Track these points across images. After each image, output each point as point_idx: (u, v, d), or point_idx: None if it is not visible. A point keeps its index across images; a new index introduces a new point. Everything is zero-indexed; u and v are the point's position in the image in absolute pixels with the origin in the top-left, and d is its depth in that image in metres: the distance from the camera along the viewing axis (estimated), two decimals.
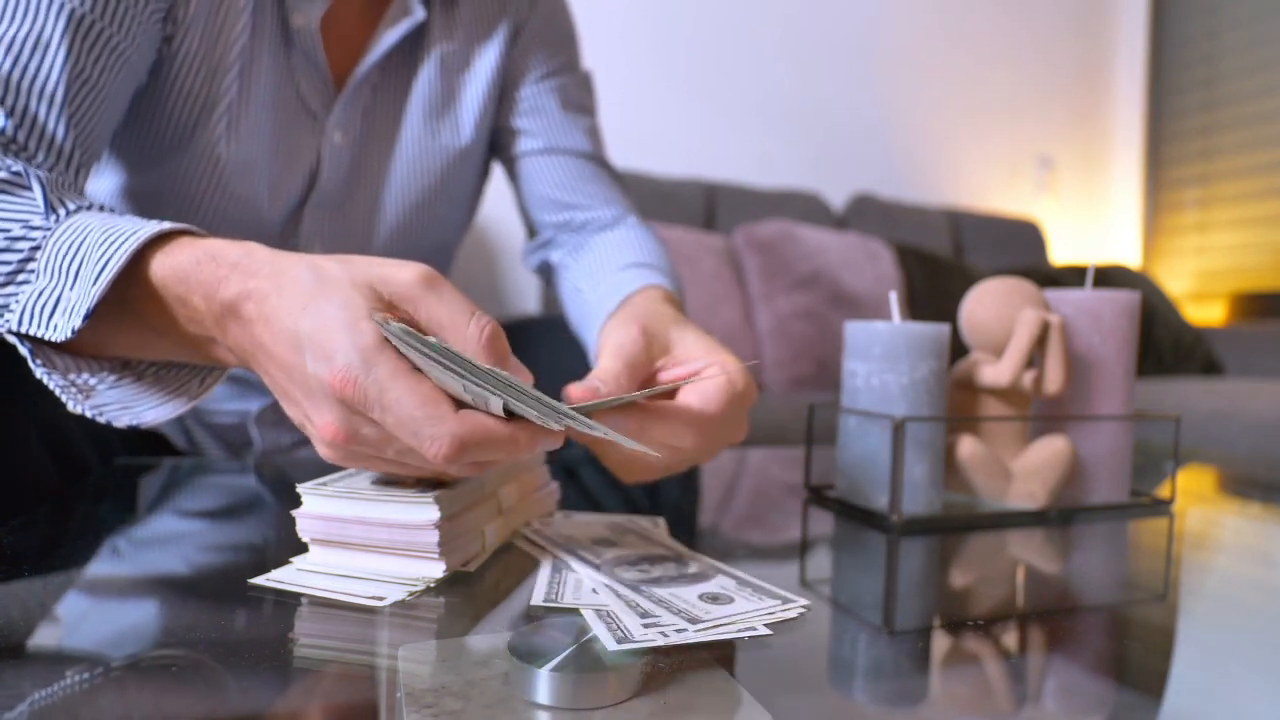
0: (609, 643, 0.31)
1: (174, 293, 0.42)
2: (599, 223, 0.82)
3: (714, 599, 0.37)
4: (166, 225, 0.44)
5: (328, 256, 0.39)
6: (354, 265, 0.38)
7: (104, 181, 0.71)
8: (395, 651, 0.32)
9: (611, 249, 0.77)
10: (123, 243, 0.42)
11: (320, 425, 0.36)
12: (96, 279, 0.42)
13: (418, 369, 0.35)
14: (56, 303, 0.44)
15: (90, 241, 0.43)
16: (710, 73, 2.44)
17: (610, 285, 0.71)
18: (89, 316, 0.42)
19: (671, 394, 0.49)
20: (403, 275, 0.37)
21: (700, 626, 0.33)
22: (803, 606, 0.37)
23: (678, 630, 0.33)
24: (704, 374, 0.48)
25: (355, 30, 0.72)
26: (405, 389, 0.34)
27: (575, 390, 0.44)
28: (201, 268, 0.41)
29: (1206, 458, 1.02)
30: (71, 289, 0.43)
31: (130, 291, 0.43)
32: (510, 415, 0.35)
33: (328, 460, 0.39)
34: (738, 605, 0.36)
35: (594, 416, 0.44)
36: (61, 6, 0.54)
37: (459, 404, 0.35)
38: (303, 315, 0.36)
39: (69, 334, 0.43)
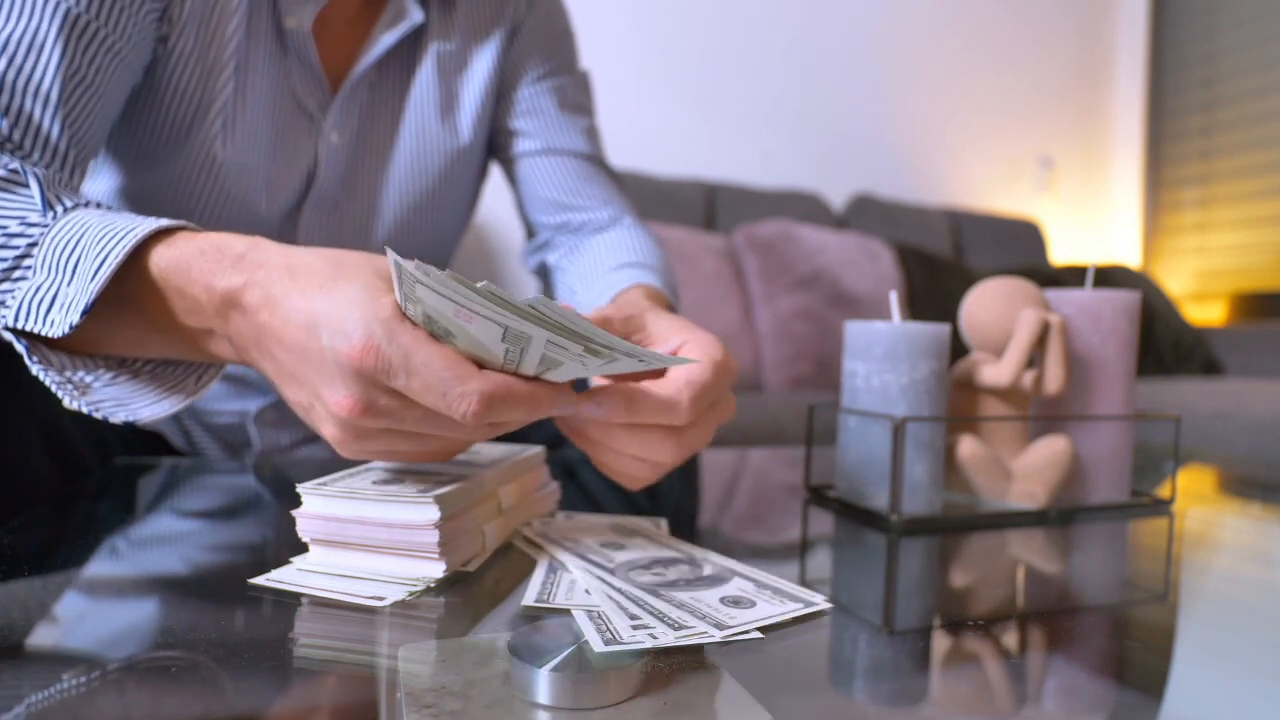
0: (596, 644, 0.31)
1: (174, 284, 0.42)
2: (595, 224, 0.82)
3: (736, 603, 0.37)
4: (165, 221, 0.44)
5: (342, 250, 0.40)
6: (373, 258, 0.39)
7: (100, 182, 0.71)
8: (395, 651, 0.32)
9: (605, 251, 0.77)
10: (121, 238, 0.42)
11: (334, 401, 0.37)
12: (95, 274, 0.42)
13: (436, 338, 0.36)
14: (54, 299, 0.44)
15: (88, 238, 0.43)
16: (710, 73, 2.44)
17: (601, 286, 0.71)
18: (87, 312, 0.42)
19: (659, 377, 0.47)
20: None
21: (686, 632, 0.33)
22: (825, 603, 0.37)
23: (669, 630, 0.33)
24: (681, 350, 0.46)
25: (351, 31, 0.72)
26: (432, 353, 0.35)
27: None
28: (205, 258, 0.41)
29: (1206, 458, 1.02)
30: (69, 285, 0.43)
31: (129, 286, 0.43)
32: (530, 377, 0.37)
33: (333, 442, 0.39)
34: (760, 609, 0.36)
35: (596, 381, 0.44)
36: (57, 6, 0.54)
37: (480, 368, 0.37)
38: (319, 295, 0.37)
39: (66, 329, 0.43)
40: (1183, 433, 1.60)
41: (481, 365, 0.37)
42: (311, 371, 0.38)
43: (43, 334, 0.44)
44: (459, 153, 0.79)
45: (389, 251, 0.37)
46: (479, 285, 0.34)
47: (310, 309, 0.37)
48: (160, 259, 0.43)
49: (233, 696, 0.29)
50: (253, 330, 0.40)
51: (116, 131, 0.67)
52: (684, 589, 0.38)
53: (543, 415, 0.38)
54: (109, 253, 0.42)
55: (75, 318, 0.42)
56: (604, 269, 0.75)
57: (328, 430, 0.39)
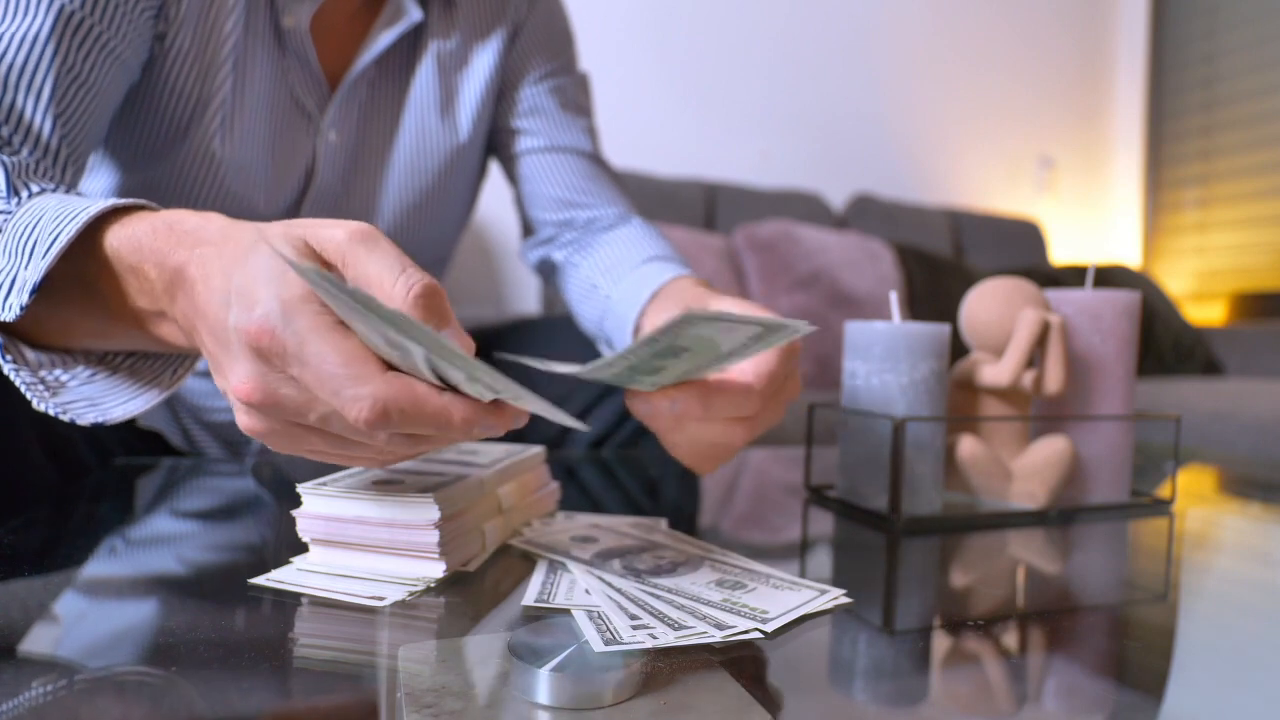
0: (596, 644, 0.31)
1: (127, 263, 0.41)
2: (602, 222, 0.82)
3: (736, 586, 0.37)
4: (122, 200, 0.42)
5: (277, 222, 0.37)
6: (293, 224, 0.36)
7: (100, 180, 0.71)
8: (395, 651, 0.32)
9: (626, 245, 0.77)
10: (74, 216, 0.41)
11: (235, 384, 0.34)
12: (46, 253, 0.41)
13: (346, 326, 0.32)
14: (12, 283, 0.43)
15: (45, 219, 0.43)
16: (710, 73, 2.44)
17: (634, 280, 0.70)
18: (35, 291, 0.41)
19: None
20: (335, 232, 0.35)
21: (686, 632, 0.33)
22: (841, 595, 0.38)
23: (668, 630, 0.33)
24: None
25: (350, 29, 0.72)
26: (327, 343, 0.31)
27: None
28: (157, 236, 0.40)
29: (1206, 458, 1.02)
30: (26, 267, 0.43)
31: (86, 268, 0.42)
32: (447, 386, 0.33)
33: (246, 431, 0.35)
34: (774, 600, 0.36)
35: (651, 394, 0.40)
36: (52, 3, 0.54)
37: (391, 369, 0.32)
38: (235, 268, 0.34)
39: (19, 311, 0.42)
40: (1183, 433, 1.60)
41: (394, 367, 0.32)
42: (221, 351, 0.35)
43: (2, 320, 0.43)
44: (458, 151, 0.79)
45: (270, 233, 0.34)
46: (347, 287, 0.29)
47: (225, 284, 0.34)
48: (114, 238, 0.41)
49: (233, 696, 0.29)
50: (190, 309, 0.37)
51: (115, 129, 0.67)
52: (684, 584, 0.38)
53: (457, 437, 0.34)
54: (61, 231, 0.41)
55: (25, 298, 0.41)
56: (630, 263, 0.74)
57: (239, 418, 0.35)
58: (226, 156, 0.67)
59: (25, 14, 0.53)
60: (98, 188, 0.71)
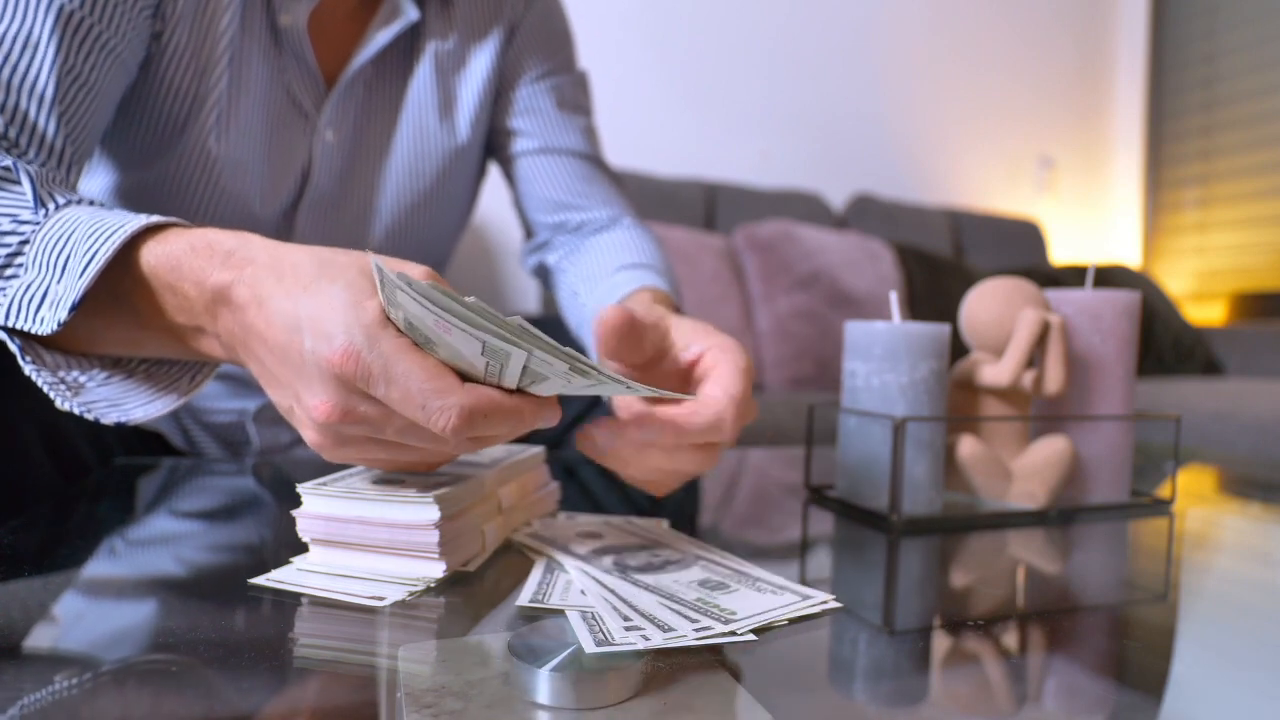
0: (588, 644, 0.31)
1: (165, 280, 0.42)
2: (595, 224, 0.82)
3: (718, 587, 0.37)
4: (156, 218, 0.43)
5: (332, 249, 0.39)
6: (360, 257, 0.38)
7: (97, 180, 0.71)
8: (395, 651, 0.32)
9: (606, 251, 0.77)
10: (111, 235, 0.42)
11: (313, 405, 0.36)
12: (83, 271, 0.42)
13: (419, 346, 0.35)
14: (44, 296, 0.43)
15: (78, 234, 0.43)
16: (710, 73, 2.44)
17: (606, 288, 0.71)
18: (75, 309, 0.42)
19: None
20: (407, 273, 0.37)
21: (673, 634, 0.33)
22: (827, 599, 0.37)
23: (659, 631, 0.33)
24: (705, 357, 0.47)
25: (347, 28, 0.72)
26: (412, 362, 0.34)
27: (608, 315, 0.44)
28: (196, 254, 0.41)
29: (1206, 458, 1.02)
30: (59, 282, 0.43)
31: (120, 283, 0.43)
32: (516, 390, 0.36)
33: (313, 446, 0.38)
34: (752, 603, 0.36)
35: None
36: (51, 3, 0.54)
37: (463, 379, 0.36)
38: (304, 296, 0.36)
39: (55, 327, 0.42)
40: (1183, 433, 1.60)
41: (465, 376, 0.36)
42: (292, 374, 0.37)
43: (34, 332, 0.44)
44: (457, 152, 0.79)
45: (371, 255, 0.36)
46: (467, 300, 0.33)
47: (294, 311, 0.36)
48: (150, 255, 0.42)
49: (233, 696, 0.29)
50: (240, 329, 0.39)
51: (112, 129, 0.67)
52: (665, 581, 0.39)
53: (526, 430, 0.37)
54: (98, 249, 0.42)
55: (63, 314, 0.42)
56: (607, 270, 0.75)
57: (307, 434, 0.38)
58: (222, 155, 0.67)
59: (25, 14, 0.53)
60: (95, 187, 0.71)
